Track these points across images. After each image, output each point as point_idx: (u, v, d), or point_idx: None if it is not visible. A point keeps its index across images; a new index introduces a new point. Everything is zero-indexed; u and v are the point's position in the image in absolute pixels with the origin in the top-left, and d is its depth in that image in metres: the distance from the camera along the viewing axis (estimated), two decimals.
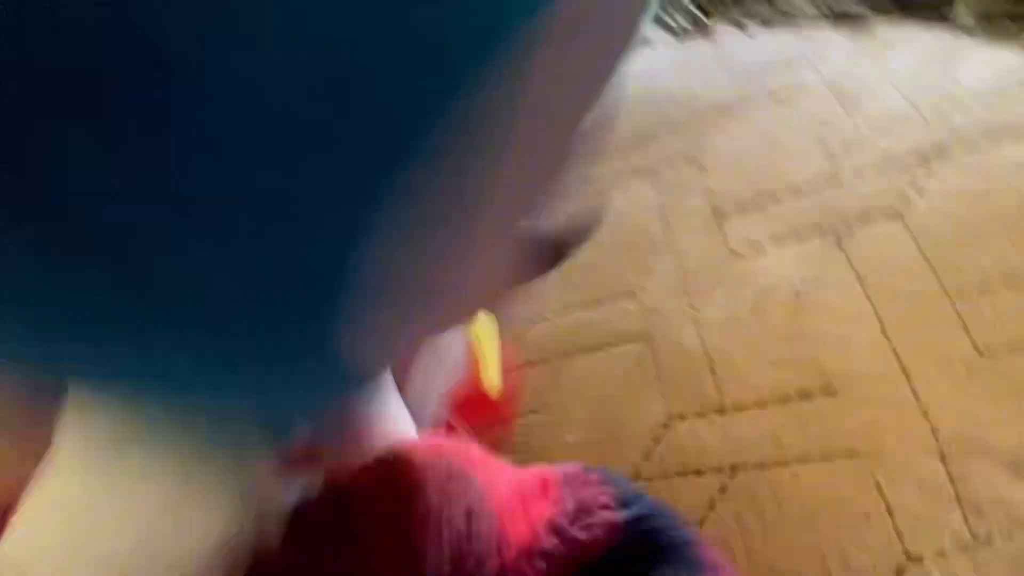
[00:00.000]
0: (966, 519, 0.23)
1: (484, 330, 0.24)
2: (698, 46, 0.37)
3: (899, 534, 0.23)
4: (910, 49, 0.31)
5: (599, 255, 0.32)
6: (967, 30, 0.32)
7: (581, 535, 0.15)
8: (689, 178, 0.31)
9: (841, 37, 0.34)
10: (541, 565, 0.14)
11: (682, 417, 0.28)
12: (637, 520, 0.15)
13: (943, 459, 0.23)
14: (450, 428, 0.22)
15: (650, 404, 0.29)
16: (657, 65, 0.37)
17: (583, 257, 0.18)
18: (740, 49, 0.35)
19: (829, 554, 0.24)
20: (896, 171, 0.27)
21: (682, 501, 0.28)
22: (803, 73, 0.31)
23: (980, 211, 0.24)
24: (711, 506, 0.27)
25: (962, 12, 0.33)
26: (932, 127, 0.27)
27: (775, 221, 0.28)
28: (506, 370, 0.27)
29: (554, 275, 0.16)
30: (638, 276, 0.31)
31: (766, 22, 0.37)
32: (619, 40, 0.10)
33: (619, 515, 0.15)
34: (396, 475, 0.15)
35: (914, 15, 0.35)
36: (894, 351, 0.24)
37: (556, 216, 0.15)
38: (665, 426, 0.28)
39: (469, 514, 0.15)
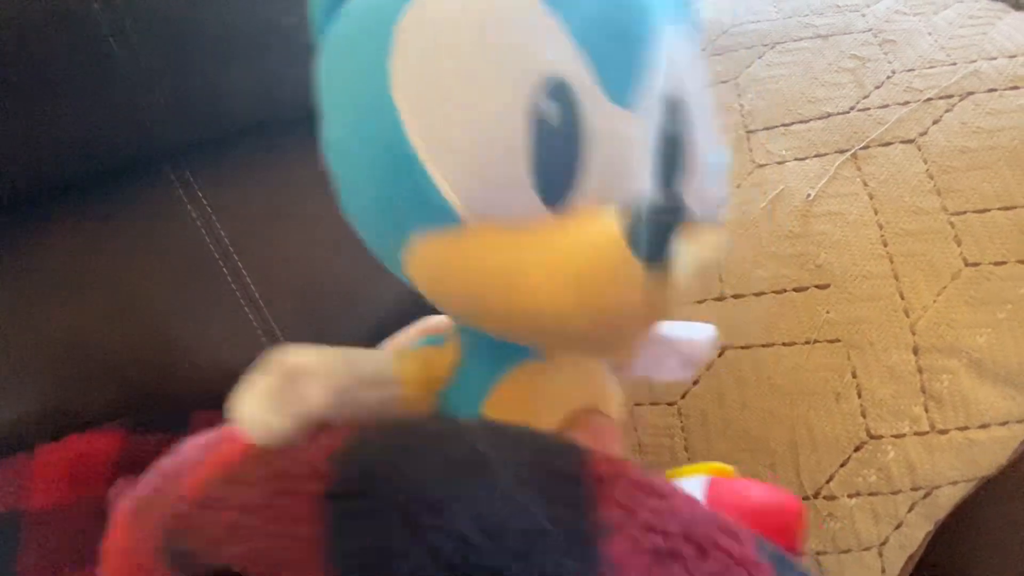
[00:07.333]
0: (927, 409, 0.25)
1: None
2: None
3: (864, 414, 0.25)
4: (954, 9, 0.33)
5: None
6: (1011, 1, 0.33)
7: None
8: (725, 97, 0.33)
9: None
10: None
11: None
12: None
13: (916, 352, 0.25)
14: None
15: None
16: None
17: None
18: None
19: (798, 425, 0.26)
20: (920, 105, 0.28)
21: None
22: (849, 16, 0.33)
23: (989, 144, 0.26)
24: (695, 381, 0.29)
25: None
26: (959, 71, 0.29)
27: (799, 139, 0.30)
28: None
29: None
30: None
31: None
32: None
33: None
34: None
35: None
36: (888, 256, 0.26)
37: None
38: None
39: None
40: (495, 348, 0.14)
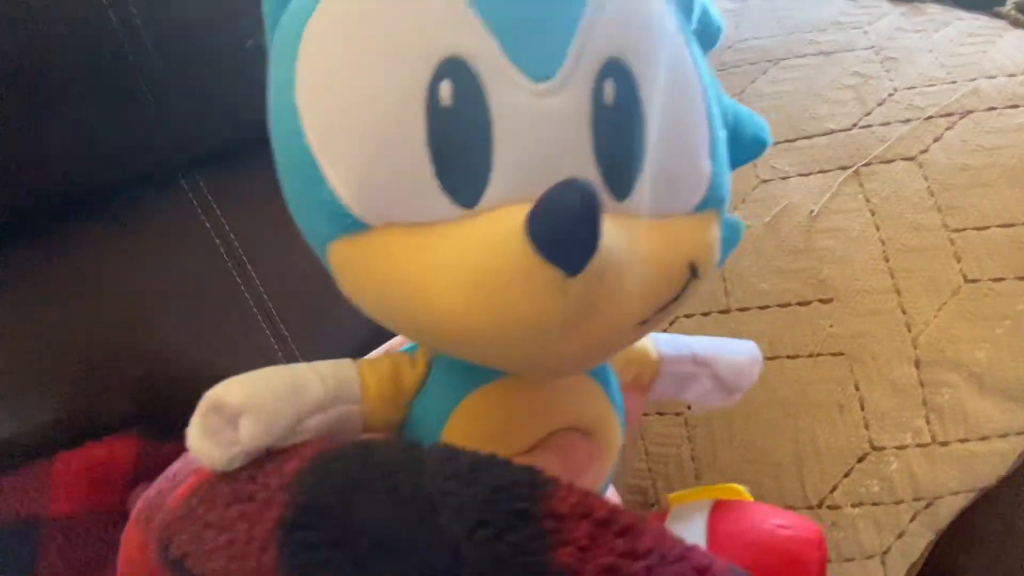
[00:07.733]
0: (928, 421, 0.25)
1: None
2: (758, 3, 0.39)
3: (867, 426, 0.26)
4: (954, 27, 0.34)
5: None
6: (1011, 19, 0.34)
7: None
8: None
9: (895, 11, 0.36)
10: None
11: (688, 316, 0.31)
12: None
13: (918, 366, 0.26)
14: None
15: None
16: None
17: None
18: (797, 9, 0.37)
19: (801, 436, 0.27)
20: (921, 123, 0.29)
21: None
22: (851, 33, 0.34)
23: (989, 163, 0.27)
24: None
25: (1010, 4, 0.35)
26: (959, 89, 0.29)
27: (803, 155, 0.31)
28: None
29: None
30: None
31: None
32: None
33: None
34: None
35: (966, 5, 0.37)
36: (890, 271, 0.27)
37: None
38: (672, 323, 0.31)
39: None
40: (465, 362, 0.12)
